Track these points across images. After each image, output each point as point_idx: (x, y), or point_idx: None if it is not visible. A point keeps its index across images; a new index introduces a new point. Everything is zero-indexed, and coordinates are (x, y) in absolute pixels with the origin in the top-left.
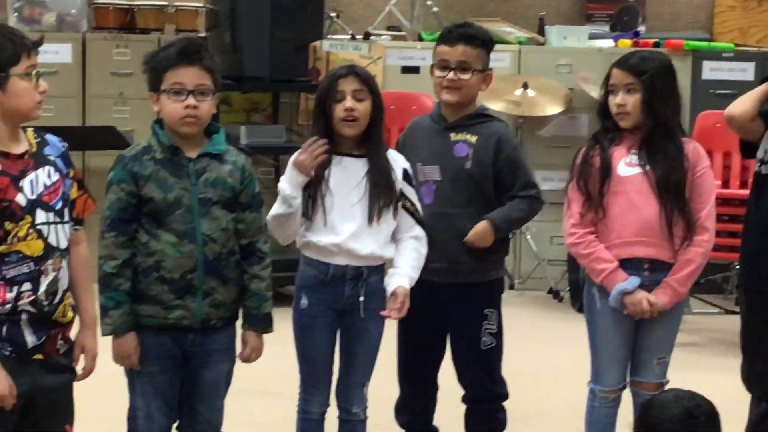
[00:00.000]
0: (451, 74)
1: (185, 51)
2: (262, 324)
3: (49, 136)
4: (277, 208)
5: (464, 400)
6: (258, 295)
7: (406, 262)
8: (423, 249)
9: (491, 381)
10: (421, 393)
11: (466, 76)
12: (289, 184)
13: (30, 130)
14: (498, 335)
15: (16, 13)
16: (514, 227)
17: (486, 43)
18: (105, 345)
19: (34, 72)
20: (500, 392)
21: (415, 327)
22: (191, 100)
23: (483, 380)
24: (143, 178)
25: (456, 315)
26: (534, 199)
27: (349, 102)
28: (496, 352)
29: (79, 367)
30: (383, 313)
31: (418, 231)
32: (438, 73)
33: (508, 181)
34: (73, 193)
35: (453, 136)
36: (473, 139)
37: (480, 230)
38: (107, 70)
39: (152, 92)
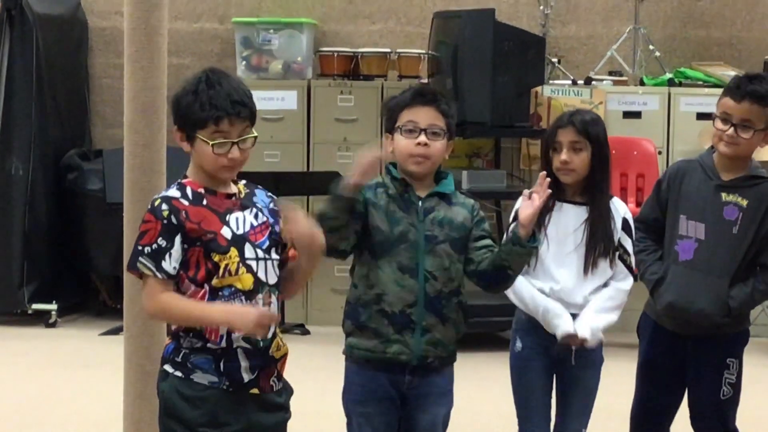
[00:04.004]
0: (731, 130)
1: (421, 92)
2: None
3: (258, 190)
4: None
5: None
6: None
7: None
8: (619, 300)
9: (725, 430)
10: None
11: (746, 135)
12: None
13: (241, 183)
14: (736, 385)
15: (244, 62)
16: (752, 308)
17: None
18: (326, 389)
19: (226, 140)
20: None
21: (658, 378)
22: (423, 138)
23: (717, 429)
24: (374, 206)
25: (698, 365)
26: None
27: (564, 155)
28: (732, 402)
29: None
30: None
31: (629, 282)
32: (719, 125)
33: (764, 245)
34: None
35: (724, 195)
36: (744, 203)
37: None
38: (331, 116)
39: (387, 133)
